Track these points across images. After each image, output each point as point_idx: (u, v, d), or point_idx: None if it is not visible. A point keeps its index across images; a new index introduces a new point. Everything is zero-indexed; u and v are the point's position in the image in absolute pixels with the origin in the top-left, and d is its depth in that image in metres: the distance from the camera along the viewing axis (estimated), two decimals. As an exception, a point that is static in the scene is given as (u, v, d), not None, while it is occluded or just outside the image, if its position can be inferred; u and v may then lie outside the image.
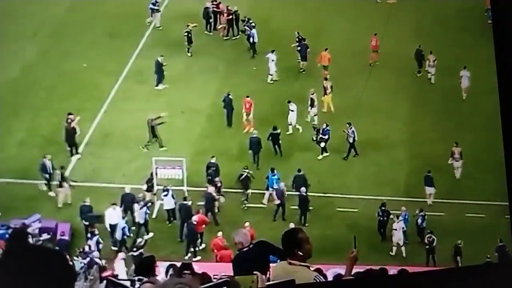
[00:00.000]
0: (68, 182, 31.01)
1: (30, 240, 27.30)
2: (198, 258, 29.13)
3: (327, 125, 33.32)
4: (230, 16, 39.84)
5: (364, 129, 34.23)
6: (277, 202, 31.16)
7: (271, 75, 37.48)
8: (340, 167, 33.20)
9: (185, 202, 30.38)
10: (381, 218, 30.48)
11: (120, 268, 27.28)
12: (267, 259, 12.16)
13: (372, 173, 32.70)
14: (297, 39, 38.16)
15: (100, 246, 29.00)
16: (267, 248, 13.20)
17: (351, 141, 33.15)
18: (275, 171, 31.72)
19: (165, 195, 30.58)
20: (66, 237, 29.05)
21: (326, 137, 33.26)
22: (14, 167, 32.11)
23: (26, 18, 39.96)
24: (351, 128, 33.02)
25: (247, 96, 34.25)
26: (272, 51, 37.42)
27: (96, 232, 29.24)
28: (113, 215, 29.62)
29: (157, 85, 36.64)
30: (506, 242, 27.85)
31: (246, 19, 39.31)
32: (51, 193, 31.16)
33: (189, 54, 38.11)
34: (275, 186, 31.48)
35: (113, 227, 29.54)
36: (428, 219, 30.31)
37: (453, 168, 32.70)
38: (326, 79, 36.52)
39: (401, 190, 32.10)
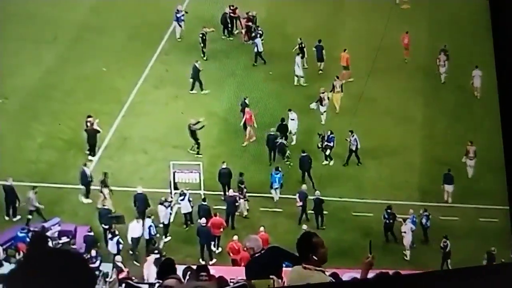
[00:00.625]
0: (109, 188, 31.17)
1: (50, 243, 27.66)
2: (214, 261, 29.26)
3: (331, 132, 33.34)
4: (250, 22, 39.87)
5: (377, 132, 34.35)
6: (299, 204, 31.24)
7: (297, 76, 37.62)
8: (354, 171, 33.25)
9: (204, 203, 30.52)
10: (387, 221, 30.59)
11: (152, 272, 27.41)
12: (280, 265, 12.27)
13: (386, 177, 32.76)
14: (299, 45, 38.08)
15: (120, 246, 29.21)
16: (279, 253, 13.31)
17: (353, 148, 33.11)
18: (280, 169, 31.99)
19: (182, 199, 30.72)
20: (92, 233, 29.27)
21: (331, 144, 33.29)
22: (34, 170, 32.38)
23: (46, 22, 40.06)
24: (353, 136, 32.99)
25: (247, 106, 34.07)
26: (298, 54, 37.60)
27: (117, 232, 29.48)
28: (136, 228, 29.80)
29: (191, 89, 36.78)
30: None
31: (254, 27, 39.40)
32: (88, 200, 31.32)
33: (204, 58, 38.02)
34: (276, 186, 31.86)
35: (135, 240, 29.72)
36: (442, 223, 30.41)
37: (467, 166, 32.94)
38: (337, 77, 36.65)
39: (415, 194, 32.11)
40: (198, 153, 33.09)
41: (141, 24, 40.31)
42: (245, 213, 31.38)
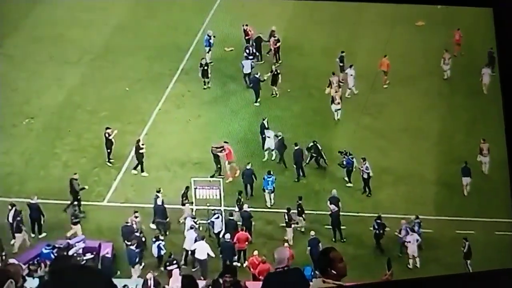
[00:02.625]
0: None
1: (73, 260, 27.71)
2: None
3: (350, 154, 33.18)
4: (278, 44, 40.01)
5: (394, 148, 34.36)
6: (335, 209, 31.25)
7: (350, 89, 37.85)
8: (372, 186, 33.18)
9: (231, 218, 30.54)
10: (377, 231, 30.48)
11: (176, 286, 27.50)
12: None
13: (403, 192, 32.68)
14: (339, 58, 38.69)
15: (162, 252, 29.26)
16: (300, 279, 13.17)
17: (365, 177, 32.79)
18: (272, 173, 32.14)
19: (216, 218, 30.72)
20: (109, 255, 29.36)
21: (350, 168, 33.12)
22: (59, 188, 32.48)
23: (70, 44, 40.40)
24: (365, 163, 32.68)
25: (226, 142, 33.53)
26: (351, 66, 37.85)
27: (161, 237, 29.60)
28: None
29: (256, 102, 37.19)
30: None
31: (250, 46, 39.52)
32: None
33: (204, 87, 37.82)
34: (269, 189, 32.05)
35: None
36: (458, 236, 30.36)
37: (482, 164, 33.20)
38: (333, 73, 37.37)
39: (431, 208, 31.99)
40: (220, 174, 33.19)
41: (163, 45, 40.53)
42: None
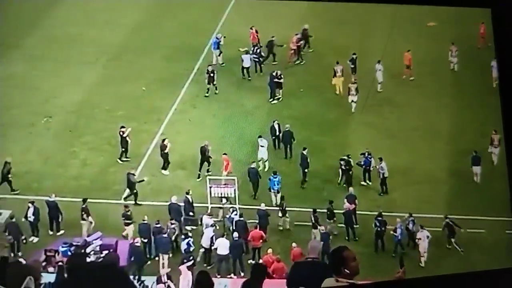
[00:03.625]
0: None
1: (91, 257, 27.84)
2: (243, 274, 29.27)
3: (369, 154, 33.20)
4: (300, 43, 40.36)
5: (405, 147, 34.44)
6: (348, 207, 31.28)
7: (380, 83, 38.23)
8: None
9: (241, 219, 30.63)
10: (378, 229, 30.46)
11: (186, 282, 27.64)
12: (320, 281, 12.10)
13: (414, 190, 32.64)
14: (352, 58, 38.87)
15: (191, 248, 29.42)
16: (325, 271, 13.15)
17: (381, 177, 32.78)
18: (277, 174, 32.11)
19: (235, 214, 30.84)
20: (138, 244, 29.41)
21: (368, 167, 33.15)
22: (77, 186, 32.70)
23: (87, 44, 40.62)
24: (381, 163, 32.64)
25: (224, 154, 33.31)
26: (379, 62, 38.20)
27: (190, 234, 29.72)
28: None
29: (270, 98, 37.59)
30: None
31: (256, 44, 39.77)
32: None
33: (207, 94, 37.73)
34: (275, 189, 32.02)
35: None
36: (469, 236, 30.37)
37: (492, 154, 33.28)
38: (337, 63, 37.96)
39: (441, 207, 31.94)
40: None
41: (178, 45, 40.68)
42: (287, 226, 31.52)
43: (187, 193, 31.33)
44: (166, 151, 33.37)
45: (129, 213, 30.48)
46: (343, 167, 32.89)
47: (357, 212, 31.40)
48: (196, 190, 32.06)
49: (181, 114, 36.76)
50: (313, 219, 30.64)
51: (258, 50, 39.53)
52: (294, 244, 28.93)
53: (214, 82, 37.52)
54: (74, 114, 36.55)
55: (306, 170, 33.06)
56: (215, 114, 36.70)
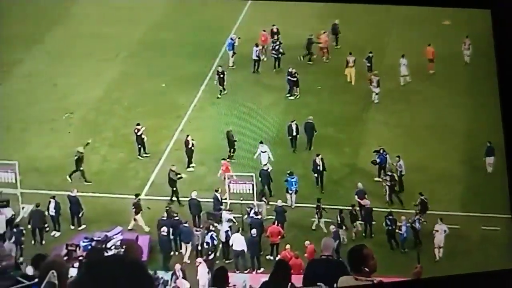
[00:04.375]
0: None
1: (110, 252, 27.97)
2: (262, 269, 29.36)
3: (384, 151, 33.19)
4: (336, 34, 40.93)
5: (420, 145, 34.43)
6: (367, 203, 31.37)
7: (404, 76, 38.48)
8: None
9: (257, 217, 30.72)
10: (389, 228, 30.48)
11: (203, 274, 27.82)
12: (335, 277, 12.15)
13: (431, 189, 32.52)
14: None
15: (215, 242, 29.57)
16: (343, 272, 13.19)
17: (398, 174, 32.68)
18: (294, 175, 32.06)
19: (254, 212, 30.93)
20: (165, 233, 29.63)
21: (383, 164, 33.06)
22: (97, 181, 32.83)
23: (108, 41, 40.73)
24: (399, 161, 32.63)
25: (223, 159, 33.16)
26: (403, 56, 38.37)
27: (212, 228, 29.85)
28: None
29: (288, 94, 37.68)
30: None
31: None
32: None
33: (219, 96, 37.69)
34: (294, 188, 31.97)
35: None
36: (483, 233, 30.32)
37: None
38: (350, 53, 38.57)
39: (457, 205, 31.94)
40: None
41: (197, 42, 40.71)
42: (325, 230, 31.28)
43: (216, 191, 31.40)
44: (189, 146, 33.44)
45: (170, 210, 30.69)
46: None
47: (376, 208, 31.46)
48: (215, 186, 32.14)
49: (200, 111, 36.82)
50: (339, 219, 30.66)
51: (277, 47, 39.55)
52: (307, 242, 28.98)
53: (224, 83, 37.43)
54: (94, 110, 36.68)
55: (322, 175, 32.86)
56: (233, 111, 36.73)
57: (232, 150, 34.10)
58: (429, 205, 30.91)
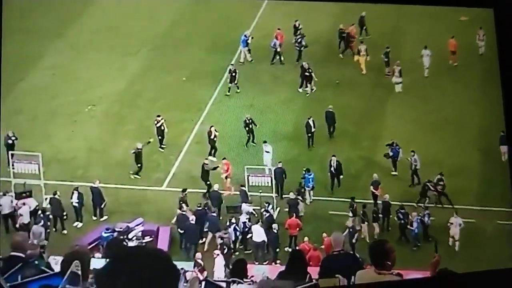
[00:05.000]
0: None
1: (131, 243, 28.28)
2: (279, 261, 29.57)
3: (397, 145, 33.26)
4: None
5: (437, 140, 34.45)
6: (377, 192, 31.55)
7: (427, 68, 38.73)
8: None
9: (268, 214, 30.89)
10: (402, 221, 30.58)
11: (220, 266, 28.04)
12: (352, 272, 12.28)
13: (447, 182, 32.39)
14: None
15: (238, 233, 29.90)
16: (354, 261, 13.33)
17: (413, 168, 32.79)
18: (310, 171, 32.14)
19: (271, 208, 31.10)
20: (193, 222, 30.00)
21: (396, 158, 33.22)
22: (120, 173, 33.09)
23: (129, 35, 40.87)
24: (414, 155, 32.67)
25: (224, 158, 33.17)
26: (425, 47, 38.62)
27: (233, 221, 30.11)
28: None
29: (299, 88, 37.76)
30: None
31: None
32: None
33: (228, 94, 37.67)
34: (311, 184, 32.09)
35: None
36: (501, 227, 30.30)
37: None
38: (361, 42, 39.28)
39: (473, 199, 31.99)
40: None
41: (217, 36, 40.78)
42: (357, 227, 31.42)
43: (242, 186, 31.62)
44: (212, 137, 33.65)
45: (208, 203, 31.04)
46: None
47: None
48: (234, 178, 32.34)
49: (220, 104, 36.94)
50: (361, 213, 30.77)
51: (300, 40, 39.63)
52: (324, 234, 29.11)
53: (236, 81, 37.41)
54: (117, 103, 36.88)
55: (341, 177, 32.80)
56: (252, 104, 36.84)
57: (251, 137, 34.32)
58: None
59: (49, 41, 39.99)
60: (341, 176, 32.54)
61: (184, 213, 30.21)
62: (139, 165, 32.75)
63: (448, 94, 37.35)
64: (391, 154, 33.11)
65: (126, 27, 41.28)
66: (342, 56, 40.25)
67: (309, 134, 34.59)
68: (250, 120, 34.41)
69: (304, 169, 32.42)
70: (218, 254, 28.39)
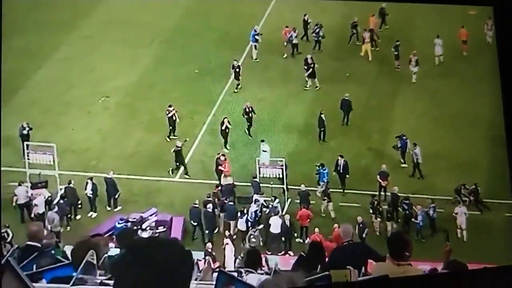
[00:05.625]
0: None
1: (145, 233, 28.37)
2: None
3: (404, 136, 33.30)
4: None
5: (447, 133, 34.43)
6: (384, 183, 31.68)
7: (438, 56, 38.85)
8: (422, 169, 33.20)
9: (275, 205, 30.98)
10: (407, 212, 30.64)
11: (230, 255, 28.15)
12: (362, 261, 12.33)
13: (456, 175, 32.58)
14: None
15: (249, 224, 30.02)
16: (365, 250, 13.37)
17: (415, 161, 32.83)
18: (324, 165, 32.11)
19: (277, 202, 31.15)
20: (211, 211, 30.23)
21: (404, 149, 33.29)
22: (134, 164, 33.19)
23: (142, 27, 40.89)
24: (415, 148, 32.72)
25: (223, 155, 32.93)
26: (438, 36, 38.80)
27: (245, 211, 30.25)
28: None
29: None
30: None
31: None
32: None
33: (236, 90, 37.54)
34: (325, 179, 31.99)
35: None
36: (508, 220, 30.26)
37: None
38: (365, 30, 39.37)
39: (482, 192, 31.90)
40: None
41: (229, 29, 40.77)
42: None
43: (254, 177, 31.73)
44: (223, 128, 33.76)
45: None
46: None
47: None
48: (245, 169, 32.43)
49: (232, 96, 36.97)
50: (371, 206, 30.81)
51: (318, 30, 39.61)
52: (335, 225, 29.14)
53: (239, 78, 37.35)
54: (130, 95, 36.96)
55: (347, 176, 32.61)
56: (262, 98, 36.87)
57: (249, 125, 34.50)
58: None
59: (64, 33, 40.01)
60: (347, 176, 32.35)
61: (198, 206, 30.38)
62: (177, 163, 32.67)
63: (458, 87, 37.22)
64: (399, 145, 33.13)
65: (138, 20, 41.29)
66: (352, 45, 40.13)
67: (322, 129, 34.51)
68: (250, 108, 34.38)
69: (318, 164, 32.34)
70: (227, 243, 28.48)
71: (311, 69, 37.40)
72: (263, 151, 32.94)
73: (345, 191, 32.04)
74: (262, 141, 33.35)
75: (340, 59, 39.26)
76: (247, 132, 34.45)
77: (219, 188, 31.43)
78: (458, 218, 30.35)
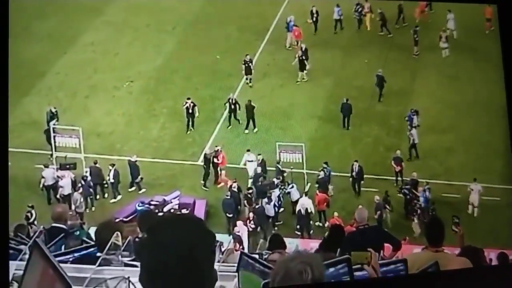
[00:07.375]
0: None
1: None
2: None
3: (412, 110, 33.52)
4: None
5: (464, 119, 34.35)
6: (398, 169, 31.65)
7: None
8: (441, 155, 33.08)
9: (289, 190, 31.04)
10: (408, 196, 30.52)
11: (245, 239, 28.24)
12: (379, 245, 12.29)
13: (472, 161, 32.49)
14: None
15: (277, 209, 30.35)
16: (381, 234, 13.34)
17: (411, 142, 32.85)
18: (328, 164, 31.76)
19: (291, 188, 31.18)
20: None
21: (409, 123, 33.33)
22: (157, 147, 33.34)
23: (165, 13, 40.83)
24: (411, 130, 32.86)
25: (220, 150, 32.57)
26: (449, 11, 38.54)
27: (272, 197, 30.36)
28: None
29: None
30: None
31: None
32: None
33: (250, 84, 37.12)
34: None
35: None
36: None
37: None
38: (366, 0, 39.27)
39: (498, 178, 31.72)
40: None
41: (250, 15, 40.62)
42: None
43: (278, 162, 31.73)
44: (250, 109, 33.94)
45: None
46: None
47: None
48: (265, 155, 32.39)
49: (252, 82, 36.89)
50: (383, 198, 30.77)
51: (360, 9, 39.71)
52: (360, 206, 29.07)
53: (252, 72, 36.95)
54: (153, 79, 37.02)
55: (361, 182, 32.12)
56: (283, 84, 36.78)
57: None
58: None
59: (89, 18, 40.01)
60: (362, 182, 31.87)
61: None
62: (204, 167, 32.25)
63: (473, 72, 36.92)
64: (406, 118, 33.03)
65: (161, 5, 41.21)
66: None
67: (346, 117, 34.34)
68: (234, 100, 34.31)
69: (324, 162, 31.95)
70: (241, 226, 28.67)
71: (300, 59, 36.86)
72: (248, 161, 32.19)
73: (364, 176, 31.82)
74: (248, 150, 32.59)
75: (362, 45, 38.98)
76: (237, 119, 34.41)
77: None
78: (472, 195, 30.29)
